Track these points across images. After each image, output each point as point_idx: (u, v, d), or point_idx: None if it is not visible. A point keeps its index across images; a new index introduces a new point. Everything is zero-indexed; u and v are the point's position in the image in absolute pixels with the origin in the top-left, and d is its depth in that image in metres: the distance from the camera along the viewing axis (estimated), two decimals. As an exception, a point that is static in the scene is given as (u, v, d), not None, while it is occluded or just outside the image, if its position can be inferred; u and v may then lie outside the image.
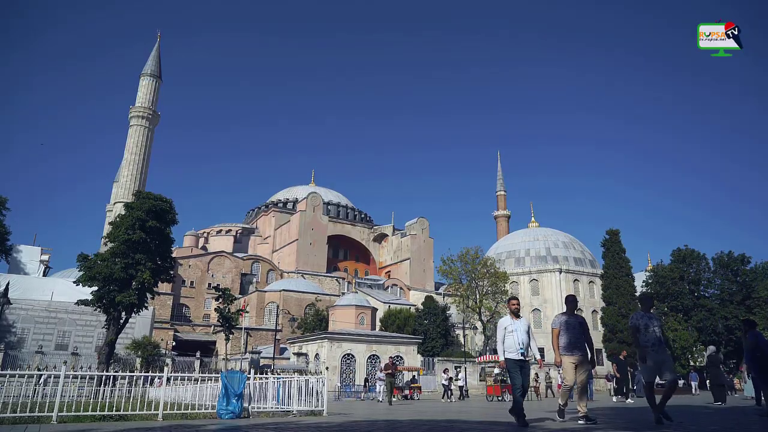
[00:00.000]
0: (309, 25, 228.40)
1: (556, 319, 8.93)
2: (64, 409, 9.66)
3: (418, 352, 45.75)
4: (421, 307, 60.15)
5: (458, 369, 33.59)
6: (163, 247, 30.20)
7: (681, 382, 33.60)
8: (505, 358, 8.20)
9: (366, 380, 37.01)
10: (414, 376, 36.85)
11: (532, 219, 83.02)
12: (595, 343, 53.16)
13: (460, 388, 32.96)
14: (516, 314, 8.64)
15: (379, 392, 26.51)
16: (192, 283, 73.28)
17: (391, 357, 26.39)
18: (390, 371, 22.27)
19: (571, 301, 9.33)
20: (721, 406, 15.73)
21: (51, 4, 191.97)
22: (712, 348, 20.88)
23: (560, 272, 68.08)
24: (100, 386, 12.46)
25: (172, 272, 33.47)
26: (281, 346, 50.99)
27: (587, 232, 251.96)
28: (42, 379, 13.19)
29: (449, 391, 28.85)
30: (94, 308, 29.48)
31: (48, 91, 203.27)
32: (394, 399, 24.30)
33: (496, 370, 30.49)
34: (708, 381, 18.33)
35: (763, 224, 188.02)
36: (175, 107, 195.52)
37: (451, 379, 30.12)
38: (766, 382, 10.49)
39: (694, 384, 34.83)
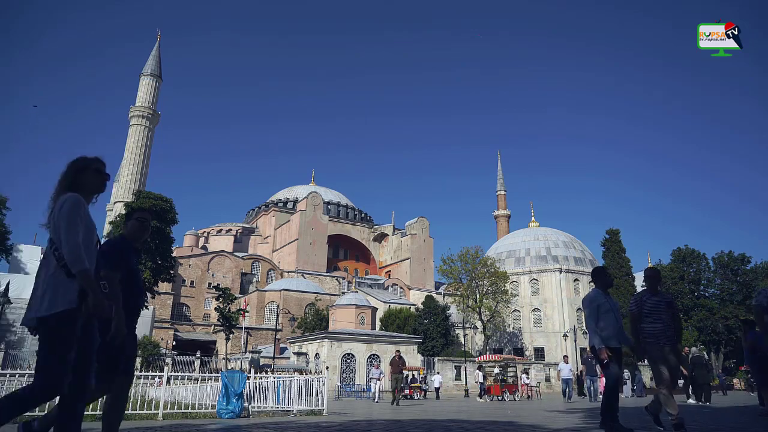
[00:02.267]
0: (309, 24, 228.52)
1: (637, 300, 6.97)
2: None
3: (418, 352, 45.76)
4: (421, 306, 60.15)
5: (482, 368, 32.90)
6: (163, 246, 30.28)
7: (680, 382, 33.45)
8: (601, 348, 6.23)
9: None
10: (414, 375, 36.87)
11: (532, 219, 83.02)
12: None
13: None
14: (607, 287, 6.73)
15: (375, 392, 24.31)
16: (192, 282, 73.29)
17: (397, 351, 23.67)
18: (397, 368, 20.29)
19: (652, 276, 7.11)
20: (707, 405, 15.80)
21: (51, 4, 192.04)
22: (694, 350, 22.34)
23: (560, 272, 68.08)
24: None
25: (172, 272, 33.53)
26: (281, 345, 51.02)
27: (587, 232, 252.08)
28: None
29: (482, 391, 28.12)
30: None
31: (48, 91, 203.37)
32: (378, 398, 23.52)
33: (496, 370, 30.42)
34: (693, 379, 18.78)
35: (763, 224, 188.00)
36: (175, 107, 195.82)
37: (485, 377, 29.53)
38: (766, 383, 10.49)
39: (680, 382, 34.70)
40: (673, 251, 56.87)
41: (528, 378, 35.16)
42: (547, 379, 49.44)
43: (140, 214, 4.36)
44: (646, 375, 48.90)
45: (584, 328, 62.92)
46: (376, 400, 23.45)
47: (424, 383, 36.04)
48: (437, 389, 35.39)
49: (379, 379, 24.76)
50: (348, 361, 41.31)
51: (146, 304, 30.80)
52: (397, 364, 20.31)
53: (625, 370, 22.21)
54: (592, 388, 21.24)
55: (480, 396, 28.10)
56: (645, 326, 6.70)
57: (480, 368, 30.77)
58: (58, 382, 2.96)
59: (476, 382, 29.42)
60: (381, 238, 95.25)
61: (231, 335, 44.02)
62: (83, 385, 3.10)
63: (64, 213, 3.11)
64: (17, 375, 11.44)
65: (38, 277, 3.16)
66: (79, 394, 3.10)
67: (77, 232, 3.09)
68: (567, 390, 21.90)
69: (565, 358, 24.26)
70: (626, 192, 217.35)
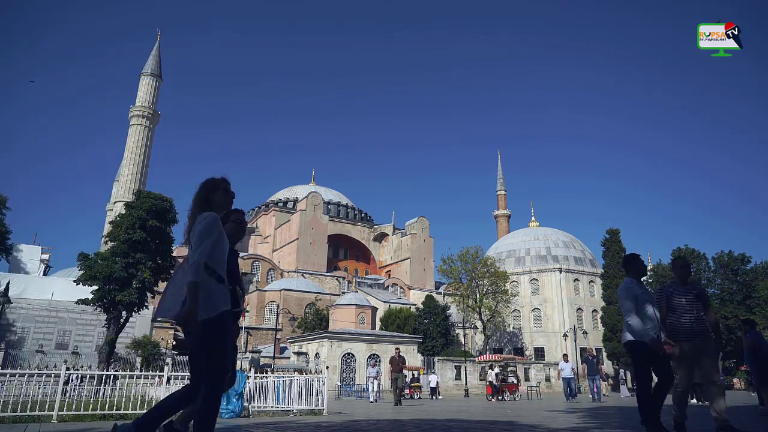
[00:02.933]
0: (309, 24, 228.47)
1: (662, 291, 6.39)
2: (65, 408, 9.67)
3: (419, 352, 45.77)
4: (421, 306, 60.17)
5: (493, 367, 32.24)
6: (163, 246, 30.23)
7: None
8: (643, 342, 5.66)
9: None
10: (414, 375, 36.87)
11: (533, 218, 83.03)
12: (595, 343, 53.60)
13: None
14: (641, 275, 6.15)
15: (372, 392, 23.38)
16: (192, 282, 73.32)
17: (396, 349, 22.51)
18: (398, 366, 19.44)
19: (682, 265, 6.63)
20: (707, 405, 15.79)
21: (51, 4, 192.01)
22: None
23: (560, 272, 68.09)
24: (100, 385, 12.47)
25: (172, 271, 33.49)
26: (281, 345, 51.03)
27: (587, 232, 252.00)
28: (69, 378, 13.18)
29: (496, 391, 27.75)
30: (95, 307, 29.51)
31: (48, 90, 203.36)
32: (377, 398, 22.93)
33: (496, 370, 30.40)
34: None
35: (763, 224, 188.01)
36: (175, 107, 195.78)
37: (497, 375, 29.08)
38: (766, 382, 10.49)
39: None
40: (673, 251, 56.76)
41: (516, 379, 35.05)
42: (547, 379, 49.45)
43: (236, 216, 4.46)
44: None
45: (584, 327, 62.92)
46: (373, 400, 22.55)
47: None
48: (433, 389, 35.33)
49: (376, 378, 23.95)
50: (348, 361, 41.32)
51: (147, 303, 30.86)
52: (398, 362, 19.42)
53: (621, 370, 21.78)
54: (594, 387, 20.86)
55: (493, 396, 27.63)
56: (671, 320, 6.17)
57: (491, 367, 30.39)
58: (219, 383, 3.45)
59: (489, 382, 28.75)
60: (381, 237, 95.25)
61: (231, 335, 44.00)
62: (232, 379, 3.68)
63: (198, 231, 3.54)
64: (17, 375, 11.44)
65: (173, 283, 3.58)
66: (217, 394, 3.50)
67: (204, 250, 3.48)
68: (569, 390, 21.23)
69: (565, 357, 23.39)
70: (626, 192, 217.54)
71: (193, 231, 3.54)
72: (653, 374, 5.76)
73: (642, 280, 6.22)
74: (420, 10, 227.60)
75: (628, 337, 5.75)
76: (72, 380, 13.03)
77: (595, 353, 21.52)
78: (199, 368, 3.60)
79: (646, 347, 5.62)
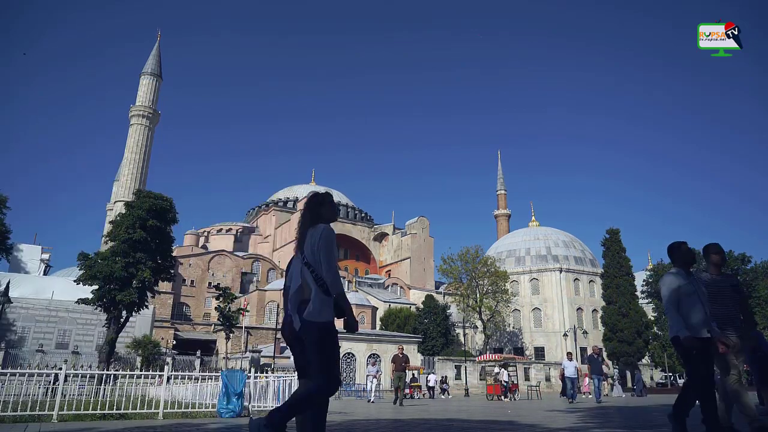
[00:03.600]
0: (309, 24, 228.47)
1: (699, 282, 5.60)
2: (65, 407, 9.67)
3: (419, 351, 45.78)
4: (422, 306, 60.17)
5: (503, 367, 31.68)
6: (163, 246, 30.20)
7: (682, 381, 33.37)
8: (688, 337, 5.08)
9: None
10: (414, 374, 36.89)
11: (533, 218, 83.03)
12: (595, 343, 53.49)
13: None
14: (688, 264, 5.55)
15: (370, 391, 22.57)
16: (192, 282, 73.31)
17: (400, 347, 21.25)
18: (400, 365, 18.57)
19: (718, 252, 5.91)
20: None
21: (51, 4, 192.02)
22: None
23: (560, 271, 68.08)
24: (100, 385, 12.47)
25: (172, 271, 33.48)
26: (281, 345, 51.00)
27: (587, 232, 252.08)
28: (58, 377, 13.15)
29: (506, 390, 27.37)
30: (95, 307, 29.51)
31: (48, 90, 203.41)
32: (376, 397, 22.37)
33: (496, 369, 30.34)
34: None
35: (763, 224, 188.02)
36: (175, 107, 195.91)
37: (509, 375, 28.64)
38: (767, 383, 10.48)
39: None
40: (673, 251, 56.82)
41: (507, 378, 34.98)
42: (547, 379, 49.45)
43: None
44: (646, 374, 48.96)
45: (584, 327, 62.90)
46: (371, 399, 21.66)
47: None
48: (431, 389, 35.27)
49: (375, 377, 23.16)
50: (348, 360, 41.32)
51: (147, 303, 30.86)
52: (400, 361, 18.54)
53: (615, 369, 20.77)
54: (597, 387, 19.69)
55: (504, 395, 27.26)
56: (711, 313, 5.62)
57: (505, 366, 30.01)
58: (336, 380, 3.74)
59: (501, 382, 28.40)
60: (381, 237, 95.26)
61: (231, 335, 44.02)
62: (337, 381, 3.85)
63: (324, 243, 3.73)
64: (17, 374, 11.44)
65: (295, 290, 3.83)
66: (334, 388, 3.79)
67: (335, 258, 3.77)
68: (572, 390, 19.99)
69: (569, 355, 22.16)
70: (626, 192, 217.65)
71: (319, 244, 3.76)
72: (699, 372, 5.23)
73: (692, 269, 5.59)
74: (420, 10, 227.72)
75: (674, 332, 5.24)
76: (64, 378, 12.92)
77: (599, 351, 20.67)
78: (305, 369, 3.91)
79: (696, 342, 5.11)
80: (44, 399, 9.90)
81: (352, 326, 3.81)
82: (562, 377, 33.91)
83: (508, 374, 28.80)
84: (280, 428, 3.49)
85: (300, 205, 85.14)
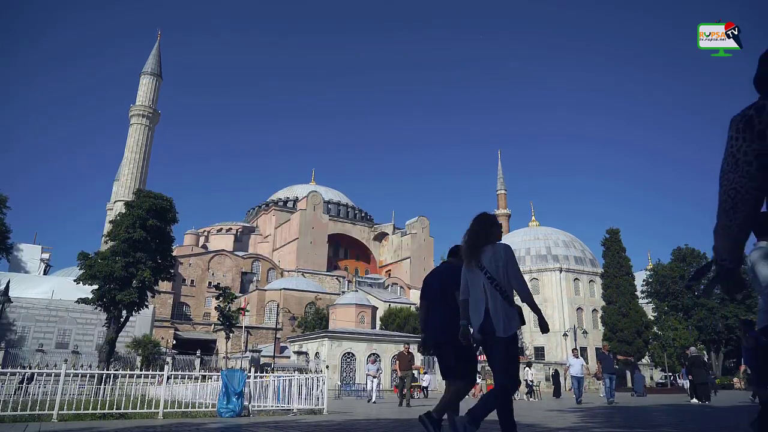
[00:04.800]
0: (309, 24, 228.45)
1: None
2: (65, 407, 9.67)
3: (419, 351, 45.83)
4: (422, 305, 60.13)
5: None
6: (163, 245, 30.20)
7: (682, 381, 33.29)
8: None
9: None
10: (415, 374, 36.91)
11: (533, 218, 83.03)
12: (595, 343, 53.28)
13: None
14: None
15: (370, 390, 21.56)
16: (192, 281, 73.32)
17: (405, 345, 20.40)
18: (406, 364, 17.45)
19: None
20: (705, 405, 15.78)
21: (51, 4, 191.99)
22: (693, 349, 21.65)
23: (560, 271, 68.08)
24: (100, 385, 12.48)
25: (172, 271, 33.49)
26: (281, 344, 51.03)
27: (587, 231, 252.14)
28: (25, 378, 13.10)
29: (531, 390, 26.87)
30: (95, 307, 29.52)
31: (48, 90, 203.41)
32: (376, 397, 21.26)
33: (532, 369, 30.06)
34: (691, 380, 18.88)
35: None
36: (175, 106, 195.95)
37: (533, 375, 28.22)
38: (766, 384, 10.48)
39: (685, 383, 33.52)
40: (673, 251, 56.88)
41: (531, 377, 35.06)
42: (547, 379, 49.43)
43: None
44: (646, 374, 48.94)
45: (584, 327, 62.85)
46: (372, 399, 20.73)
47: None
48: (425, 389, 35.18)
49: (375, 376, 22.27)
50: (348, 360, 41.34)
51: (147, 302, 30.86)
52: (406, 359, 17.51)
53: (605, 375, 18.85)
54: (609, 387, 18.19)
55: (530, 395, 26.75)
56: None
57: (529, 365, 29.60)
58: (517, 380, 4.38)
59: (525, 381, 28.14)
60: (381, 237, 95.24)
61: (231, 334, 44.03)
62: (518, 381, 4.50)
63: (511, 260, 4.21)
64: (17, 374, 11.44)
65: (486, 303, 4.26)
66: (515, 387, 4.48)
67: (520, 272, 4.23)
68: (578, 391, 18.21)
69: (575, 352, 20.46)
70: (626, 192, 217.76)
71: (504, 259, 4.22)
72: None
73: None
74: (420, 10, 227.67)
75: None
76: (35, 378, 12.88)
77: (609, 348, 19.59)
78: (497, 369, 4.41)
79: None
80: (44, 399, 9.89)
81: (544, 327, 4.42)
82: (555, 375, 33.75)
83: (532, 373, 28.22)
84: (479, 425, 4.14)
85: (300, 205, 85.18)
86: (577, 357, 19.41)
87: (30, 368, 14.43)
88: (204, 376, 13.53)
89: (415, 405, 18.09)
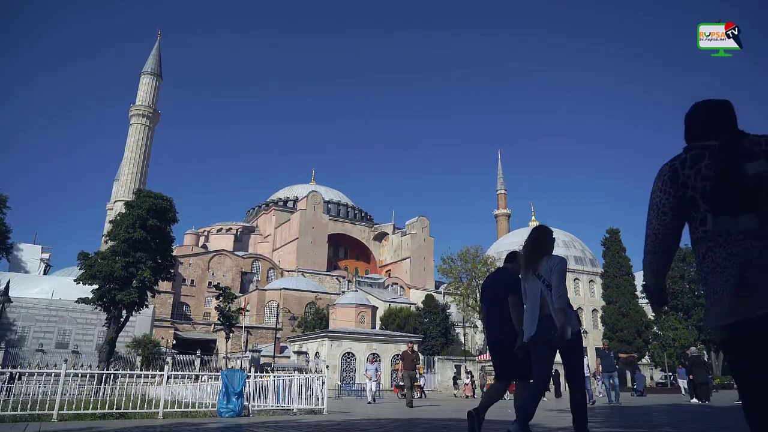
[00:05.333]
0: (309, 24, 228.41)
1: None
2: (65, 407, 9.67)
3: (419, 351, 45.82)
4: (422, 305, 60.15)
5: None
6: (163, 245, 30.20)
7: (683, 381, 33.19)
8: None
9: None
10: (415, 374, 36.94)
11: (533, 218, 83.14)
12: (595, 343, 53.21)
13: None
14: None
15: (370, 390, 20.93)
16: (192, 281, 73.31)
17: (410, 344, 19.68)
18: (411, 363, 16.79)
19: None
20: (705, 404, 15.77)
21: (51, 4, 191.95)
22: (693, 349, 22.08)
23: (560, 271, 68.03)
24: (100, 384, 12.48)
25: (172, 271, 33.50)
26: (281, 344, 51.03)
27: (587, 232, 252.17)
28: (9, 377, 13.02)
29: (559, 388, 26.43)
30: (95, 306, 29.52)
31: (48, 90, 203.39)
32: (376, 397, 20.95)
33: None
34: (691, 380, 18.91)
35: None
36: (175, 106, 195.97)
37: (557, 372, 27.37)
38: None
39: (682, 383, 31.59)
40: (673, 250, 56.71)
41: (468, 378, 35.15)
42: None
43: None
44: (646, 374, 48.89)
45: (584, 327, 62.97)
46: (370, 400, 20.09)
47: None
48: (422, 389, 35.10)
49: (375, 375, 21.74)
50: (348, 360, 41.34)
51: (147, 302, 30.85)
52: (411, 358, 16.98)
53: (605, 375, 18.22)
54: (608, 388, 17.48)
55: (557, 394, 26.58)
56: None
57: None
58: (548, 381, 4.75)
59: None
60: (381, 237, 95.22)
61: (231, 334, 44.03)
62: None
63: (559, 270, 4.57)
64: (18, 374, 11.44)
65: (546, 309, 4.59)
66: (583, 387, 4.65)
67: (564, 284, 4.56)
68: (587, 391, 16.33)
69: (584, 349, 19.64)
70: (626, 192, 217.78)
71: (556, 269, 4.60)
72: None
73: None
74: (420, 10, 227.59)
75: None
76: (18, 378, 12.77)
77: (609, 346, 19.06)
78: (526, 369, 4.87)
79: None
80: (44, 398, 9.89)
81: (562, 332, 4.54)
82: (555, 375, 33.54)
83: (556, 371, 27.76)
84: (529, 423, 4.48)
85: (300, 205, 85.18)
86: (585, 355, 17.72)
87: (13, 367, 14.34)
88: (197, 376, 13.52)
89: (416, 405, 18.08)
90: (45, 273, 57.82)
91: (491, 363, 5.23)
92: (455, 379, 41.62)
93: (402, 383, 31.78)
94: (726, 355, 2.27)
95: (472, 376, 35.91)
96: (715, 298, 2.24)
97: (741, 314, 2.11)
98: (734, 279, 2.17)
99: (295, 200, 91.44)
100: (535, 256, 4.72)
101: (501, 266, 5.92)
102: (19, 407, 9.71)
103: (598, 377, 19.02)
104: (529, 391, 4.63)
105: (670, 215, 2.41)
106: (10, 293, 27.65)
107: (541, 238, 4.83)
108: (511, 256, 5.71)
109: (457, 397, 34.20)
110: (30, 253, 57.82)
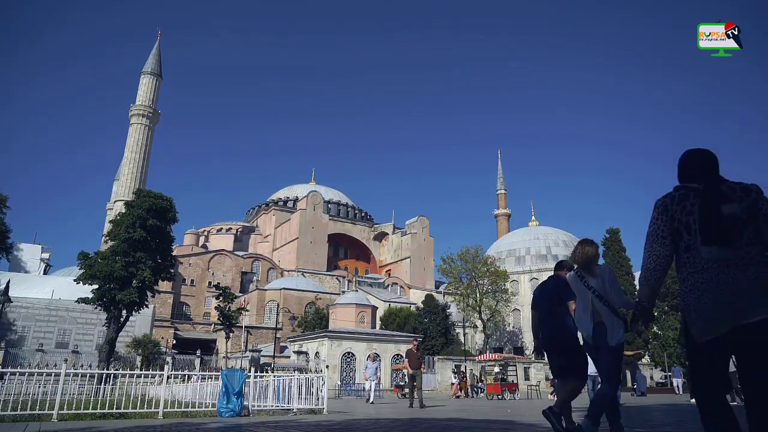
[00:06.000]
0: (309, 24, 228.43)
1: None
2: (65, 407, 9.67)
3: (533, 353, 45.70)
4: (422, 305, 60.17)
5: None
6: (163, 245, 30.19)
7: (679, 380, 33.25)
8: None
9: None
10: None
11: (533, 218, 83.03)
12: (595, 342, 52.65)
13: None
14: None
15: (369, 390, 20.10)
16: (192, 281, 73.31)
17: (415, 341, 18.61)
18: (417, 362, 15.75)
19: None
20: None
21: (51, 4, 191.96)
22: None
23: (560, 271, 68.02)
24: (100, 384, 12.48)
25: (172, 270, 33.49)
26: (281, 344, 51.03)
27: (587, 232, 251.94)
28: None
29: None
30: (95, 306, 29.51)
31: (48, 90, 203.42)
32: (376, 397, 20.28)
33: (496, 369, 30.42)
34: (688, 380, 18.83)
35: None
36: (175, 106, 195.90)
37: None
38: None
39: (677, 382, 32.62)
40: (673, 250, 56.74)
41: (456, 377, 35.19)
42: (547, 378, 49.45)
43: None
44: (646, 374, 48.84)
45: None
46: (370, 400, 19.41)
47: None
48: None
49: (375, 375, 20.90)
50: (348, 359, 41.35)
51: (147, 302, 30.84)
52: (416, 357, 15.95)
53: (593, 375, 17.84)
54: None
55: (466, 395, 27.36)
56: None
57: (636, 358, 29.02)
58: (618, 384, 5.23)
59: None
60: (381, 237, 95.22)
61: (231, 334, 44.01)
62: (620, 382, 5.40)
63: (614, 280, 5.02)
64: (17, 374, 11.44)
65: (596, 315, 5.05)
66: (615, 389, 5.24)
67: (623, 291, 5.01)
68: (593, 390, 16.58)
69: None
70: (626, 192, 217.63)
71: (609, 280, 5.00)
72: None
73: None
74: (420, 10, 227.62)
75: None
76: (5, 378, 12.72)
77: None
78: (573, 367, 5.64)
79: None
80: (44, 398, 9.89)
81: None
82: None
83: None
84: (598, 422, 4.83)
85: (300, 205, 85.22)
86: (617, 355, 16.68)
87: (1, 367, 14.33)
88: (204, 376, 13.52)
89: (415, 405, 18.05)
90: (45, 273, 57.85)
91: (550, 364, 6.21)
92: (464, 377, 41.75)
93: (402, 383, 31.70)
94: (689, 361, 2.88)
95: (464, 376, 35.95)
96: (696, 316, 2.74)
97: (715, 332, 2.63)
98: (711, 302, 2.66)
99: (295, 200, 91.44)
100: (585, 267, 5.14)
101: (552, 275, 6.49)
102: (19, 407, 9.70)
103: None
104: (603, 391, 5.05)
105: (669, 239, 2.95)
106: (10, 293, 27.64)
107: (592, 250, 5.22)
108: (560, 265, 6.39)
109: (459, 397, 34.28)
110: (30, 253, 57.85)
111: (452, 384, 35.23)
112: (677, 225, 2.89)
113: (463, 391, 32.72)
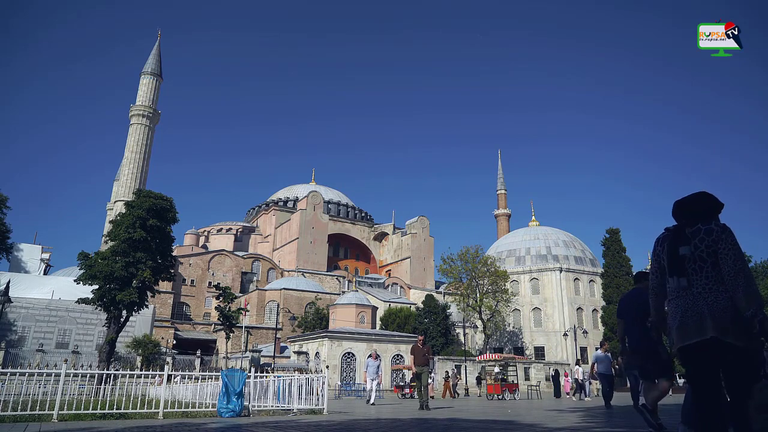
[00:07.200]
0: (309, 24, 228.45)
1: None
2: (65, 407, 9.67)
3: (620, 358, 45.66)
4: (422, 305, 60.18)
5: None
6: (163, 245, 30.16)
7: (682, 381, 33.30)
8: None
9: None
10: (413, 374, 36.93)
11: (533, 218, 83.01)
12: (595, 343, 53.23)
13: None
14: None
15: (370, 390, 18.81)
16: (192, 281, 73.31)
17: (420, 337, 16.60)
18: (423, 358, 14.66)
19: None
20: None
21: (51, 4, 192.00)
22: None
23: (560, 271, 68.07)
24: (100, 384, 12.48)
25: (172, 271, 33.46)
26: (282, 344, 51.06)
27: (588, 231, 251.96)
28: None
29: (582, 389, 26.25)
30: (95, 307, 29.49)
31: (48, 90, 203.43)
32: (376, 397, 19.18)
33: (496, 369, 30.41)
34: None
35: (763, 224, 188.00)
36: (175, 106, 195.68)
37: (584, 374, 26.90)
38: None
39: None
40: (673, 250, 56.74)
41: (449, 376, 35.20)
42: (547, 378, 49.45)
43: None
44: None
45: (584, 327, 63.13)
46: (371, 400, 18.42)
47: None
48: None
49: (376, 375, 19.63)
50: (348, 360, 41.35)
51: (147, 302, 30.83)
52: (422, 352, 14.71)
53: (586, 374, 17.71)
54: (607, 390, 15.26)
55: (579, 393, 26.42)
56: None
57: (578, 363, 28.58)
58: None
59: (573, 379, 27.50)
60: (381, 237, 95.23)
61: (231, 334, 44.03)
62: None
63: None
64: (17, 374, 11.43)
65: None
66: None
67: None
68: (610, 391, 14.83)
69: (604, 346, 16.03)
70: (626, 192, 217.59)
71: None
72: None
73: None
74: (420, 10, 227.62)
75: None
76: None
77: (608, 348, 16.54)
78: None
79: None
80: (44, 399, 9.89)
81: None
82: (564, 375, 33.58)
83: (582, 372, 27.35)
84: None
85: (300, 205, 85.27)
86: (607, 352, 15.75)
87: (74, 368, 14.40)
88: (204, 376, 13.53)
89: (414, 405, 18.07)
90: (45, 273, 57.79)
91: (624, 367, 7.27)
92: (479, 378, 41.84)
93: (403, 383, 31.57)
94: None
95: (456, 376, 35.89)
96: (669, 331, 3.62)
97: (681, 343, 3.45)
98: (678, 320, 3.50)
99: (295, 200, 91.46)
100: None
101: (636, 286, 6.99)
102: (19, 407, 9.70)
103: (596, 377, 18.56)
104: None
105: (657, 273, 3.82)
106: (11, 293, 27.63)
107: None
108: (640, 276, 6.81)
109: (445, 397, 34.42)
110: (30, 253, 57.77)
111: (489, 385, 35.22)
112: (662, 262, 3.73)
113: (448, 392, 32.77)
